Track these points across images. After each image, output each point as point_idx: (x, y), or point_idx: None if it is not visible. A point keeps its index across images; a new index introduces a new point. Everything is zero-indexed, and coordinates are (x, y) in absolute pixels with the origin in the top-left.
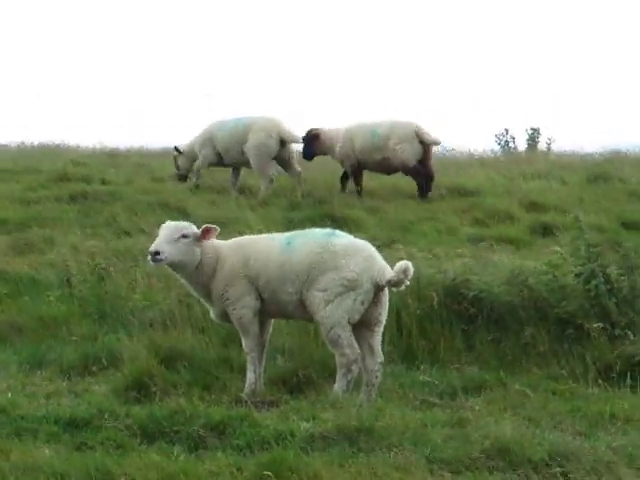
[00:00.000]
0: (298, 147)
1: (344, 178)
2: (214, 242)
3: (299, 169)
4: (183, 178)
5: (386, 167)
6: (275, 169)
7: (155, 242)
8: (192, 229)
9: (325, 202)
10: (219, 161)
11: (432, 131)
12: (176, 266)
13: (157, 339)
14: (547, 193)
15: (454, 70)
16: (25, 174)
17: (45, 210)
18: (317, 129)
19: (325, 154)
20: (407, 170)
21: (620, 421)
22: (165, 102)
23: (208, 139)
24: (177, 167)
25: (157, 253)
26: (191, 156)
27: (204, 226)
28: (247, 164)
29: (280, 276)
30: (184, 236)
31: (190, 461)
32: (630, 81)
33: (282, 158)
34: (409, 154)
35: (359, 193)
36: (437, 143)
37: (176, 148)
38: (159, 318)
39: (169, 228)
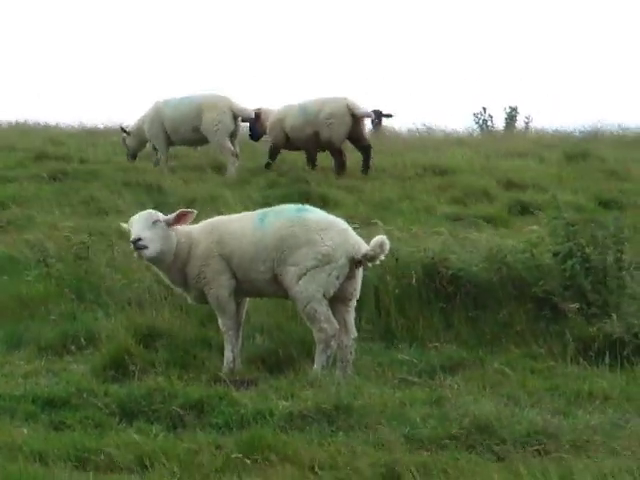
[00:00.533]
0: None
1: (308, 160)
2: (185, 227)
3: (238, 149)
4: (133, 158)
5: (315, 143)
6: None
7: (133, 231)
8: (161, 215)
9: (303, 181)
10: (167, 141)
11: (396, 109)
12: (159, 255)
13: (135, 318)
14: (525, 172)
15: (432, 49)
16: (2, 152)
17: (23, 189)
18: (259, 109)
19: (266, 134)
20: (334, 146)
21: (598, 399)
22: (144, 81)
23: (157, 119)
24: (126, 147)
25: (139, 239)
26: (139, 135)
27: (179, 211)
28: (196, 143)
29: (254, 254)
30: (157, 222)
31: (169, 440)
32: (609, 59)
33: (232, 135)
34: (339, 129)
35: (268, 166)
36: (368, 115)
37: (122, 129)
38: (137, 297)
39: (142, 216)
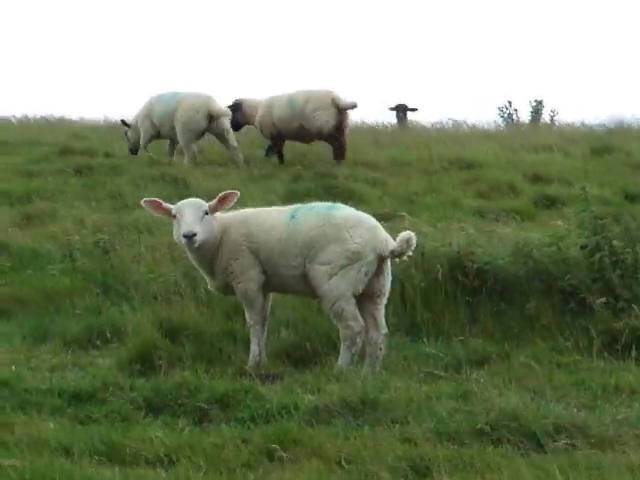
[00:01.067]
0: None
1: (269, 148)
2: (220, 215)
3: (235, 144)
4: (135, 151)
5: (304, 135)
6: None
7: (186, 223)
8: (205, 204)
9: (328, 175)
10: (157, 134)
11: (424, 104)
12: (204, 245)
13: (161, 312)
14: (551, 165)
15: (457, 42)
16: (27, 147)
17: (48, 183)
18: (240, 99)
19: (249, 124)
20: (323, 137)
21: (625, 393)
22: (168, 76)
23: (148, 113)
24: (128, 141)
25: (194, 234)
26: (136, 129)
27: (221, 194)
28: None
29: (283, 249)
30: (206, 212)
31: (195, 434)
32: (635, 52)
33: (216, 133)
34: (324, 121)
35: (281, 161)
36: (353, 106)
37: (124, 122)
38: (163, 291)
39: (193, 207)
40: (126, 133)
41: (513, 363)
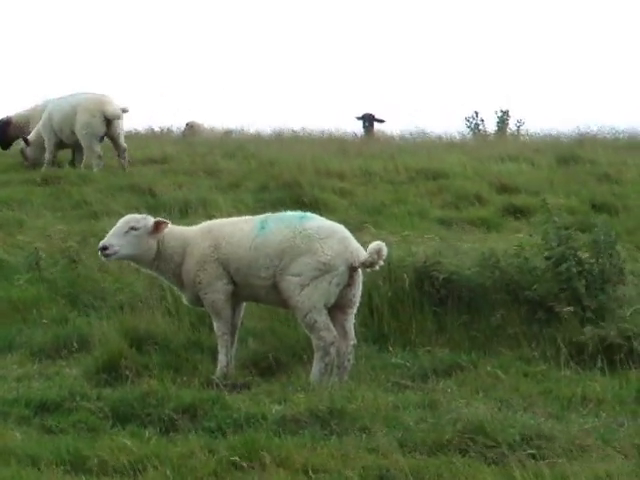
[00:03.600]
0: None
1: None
2: (180, 229)
3: (124, 145)
4: (32, 167)
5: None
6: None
7: (106, 237)
8: (144, 222)
9: (295, 185)
10: (60, 142)
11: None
12: (130, 260)
13: (128, 322)
14: (517, 175)
15: (422, 53)
16: None
17: (15, 192)
18: (7, 117)
19: (18, 137)
20: (78, 146)
21: (592, 403)
22: (135, 86)
23: (47, 121)
24: (25, 158)
25: (105, 248)
26: (39, 143)
27: (155, 220)
28: (79, 145)
29: (252, 259)
30: (133, 228)
31: (162, 444)
32: (601, 63)
33: (110, 136)
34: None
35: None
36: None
37: (24, 139)
38: (130, 301)
39: (120, 222)
40: (22, 151)
41: (480, 373)
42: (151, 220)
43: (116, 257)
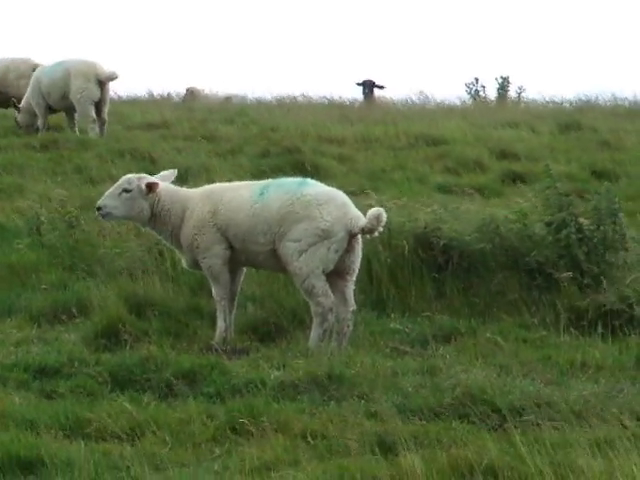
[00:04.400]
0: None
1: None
2: (181, 191)
3: (106, 118)
4: (26, 132)
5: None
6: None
7: (102, 197)
8: (136, 183)
9: (296, 151)
10: (49, 107)
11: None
12: (126, 219)
13: (127, 287)
14: (518, 142)
15: (423, 18)
16: None
17: (14, 157)
18: None
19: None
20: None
21: (591, 369)
22: (136, 49)
23: (37, 86)
24: (18, 125)
25: (99, 208)
26: (28, 109)
27: (146, 182)
28: (69, 109)
29: (251, 226)
30: (125, 190)
31: (160, 409)
32: (603, 29)
33: (99, 101)
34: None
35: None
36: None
37: (15, 105)
38: (129, 266)
39: (117, 184)
40: (15, 118)
41: (479, 339)
42: (144, 181)
43: (109, 218)
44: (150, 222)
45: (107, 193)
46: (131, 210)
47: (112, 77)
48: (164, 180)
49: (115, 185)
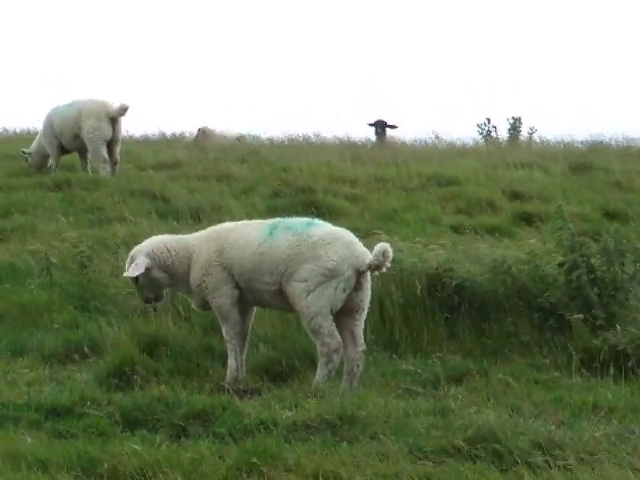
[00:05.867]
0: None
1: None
2: (181, 238)
3: (118, 158)
4: (39, 172)
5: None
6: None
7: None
8: (142, 259)
9: (308, 190)
10: (62, 147)
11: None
12: (166, 288)
13: (139, 327)
14: (530, 182)
15: (434, 60)
16: (7, 160)
17: (27, 197)
18: None
19: None
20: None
21: (603, 411)
22: (148, 89)
23: (49, 127)
24: (31, 166)
25: (146, 301)
26: (40, 151)
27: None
28: (81, 149)
29: (257, 265)
30: (135, 279)
31: (172, 449)
32: (613, 70)
33: (112, 140)
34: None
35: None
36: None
37: (23, 152)
38: (141, 306)
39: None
40: (27, 160)
41: (491, 380)
42: (132, 274)
43: (159, 300)
44: (172, 280)
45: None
46: (156, 283)
47: (123, 110)
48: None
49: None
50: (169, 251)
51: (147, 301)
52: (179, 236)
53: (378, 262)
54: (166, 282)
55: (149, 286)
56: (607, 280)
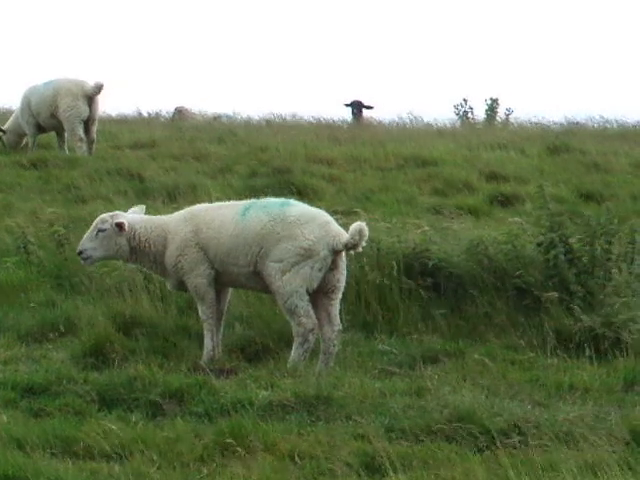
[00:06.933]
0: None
1: None
2: (157, 218)
3: (94, 137)
4: (13, 150)
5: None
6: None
7: (81, 240)
8: (110, 221)
9: (285, 170)
10: (39, 126)
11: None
12: (107, 259)
13: (115, 306)
14: (507, 163)
15: (412, 39)
16: None
17: (3, 176)
18: None
19: None
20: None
21: (579, 391)
22: (125, 68)
23: (26, 106)
24: (5, 145)
25: (80, 253)
26: (15, 130)
27: (116, 220)
28: (58, 128)
29: (232, 246)
30: (100, 230)
31: (148, 428)
32: (591, 51)
33: (88, 119)
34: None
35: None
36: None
37: (1, 129)
38: (117, 285)
39: (92, 226)
40: (1, 140)
41: (467, 360)
42: (116, 219)
43: (91, 261)
44: (132, 256)
45: (84, 237)
46: (109, 249)
47: (98, 87)
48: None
49: (90, 228)
50: (147, 227)
51: (82, 253)
52: (154, 216)
53: (354, 241)
54: (122, 254)
55: (105, 245)
56: (586, 260)
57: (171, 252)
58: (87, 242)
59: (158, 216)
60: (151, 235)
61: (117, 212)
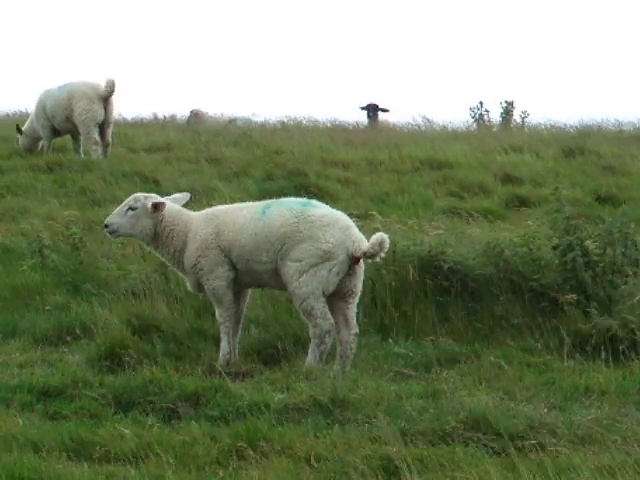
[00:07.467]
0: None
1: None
2: (184, 213)
3: (110, 140)
4: (28, 153)
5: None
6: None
7: (110, 215)
8: (142, 202)
9: (300, 173)
10: (54, 129)
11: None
12: (131, 237)
13: (131, 309)
14: (522, 166)
15: (428, 42)
16: None
17: (19, 179)
18: None
19: None
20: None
21: (595, 394)
22: (141, 72)
23: (41, 109)
24: (19, 146)
25: (106, 226)
26: (31, 133)
27: (152, 201)
28: (73, 131)
29: (254, 245)
30: (131, 208)
31: (164, 431)
32: (607, 54)
33: (104, 122)
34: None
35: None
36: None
37: (18, 128)
38: (133, 288)
39: (125, 201)
40: (17, 140)
41: (483, 363)
42: (150, 200)
43: (116, 235)
44: (154, 241)
45: (115, 211)
46: (134, 227)
47: (111, 84)
48: (176, 202)
49: (123, 203)
50: (174, 217)
51: (108, 227)
52: (183, 209)
53: (374, 251)
54: (145, 236)
55: (132, 224)
56: (603, 263)
57: (191, 252)
58: (116, 217)
59: (188, 211)
60: (176, 227)
61: (152, 194)
